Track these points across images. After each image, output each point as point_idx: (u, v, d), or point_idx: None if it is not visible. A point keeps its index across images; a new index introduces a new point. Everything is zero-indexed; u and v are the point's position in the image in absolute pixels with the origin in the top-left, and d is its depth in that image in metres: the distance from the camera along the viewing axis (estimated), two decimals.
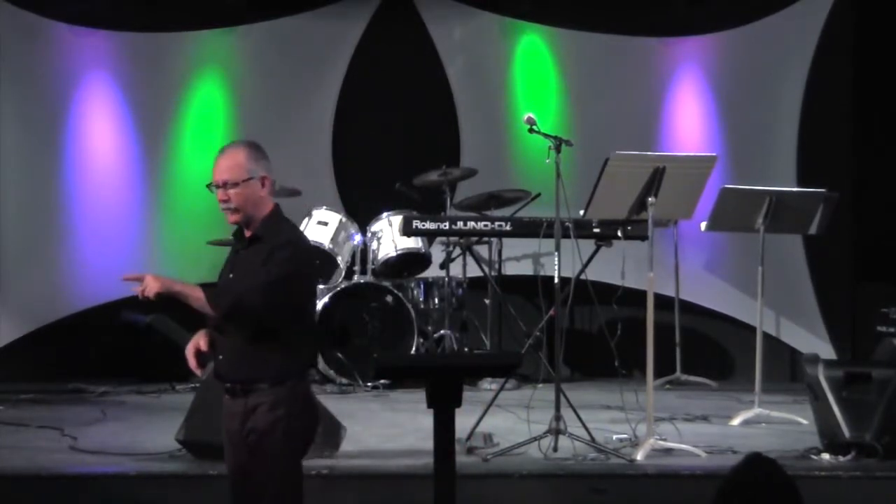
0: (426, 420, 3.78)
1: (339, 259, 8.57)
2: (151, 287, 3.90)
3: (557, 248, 6.06)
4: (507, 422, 6.61)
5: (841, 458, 5.69)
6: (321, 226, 8.56)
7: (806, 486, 3.05)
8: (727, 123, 9.59)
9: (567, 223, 6.09)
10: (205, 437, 5.35)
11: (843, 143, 9.50)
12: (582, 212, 6.15)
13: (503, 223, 6.73)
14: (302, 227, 8.43)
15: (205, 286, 4.05)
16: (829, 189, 7.35)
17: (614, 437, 6.17)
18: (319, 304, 8.33)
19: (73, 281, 9.25)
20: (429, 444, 3.66)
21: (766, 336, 7.87)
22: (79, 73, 9.41)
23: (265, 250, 4.00)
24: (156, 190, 9.51)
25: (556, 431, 5.84)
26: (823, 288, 9.40)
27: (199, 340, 4.08)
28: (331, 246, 8.51)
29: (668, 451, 5.87)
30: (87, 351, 9.01)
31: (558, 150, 6.09)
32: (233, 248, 4.21)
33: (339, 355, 8.32)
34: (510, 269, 9.16)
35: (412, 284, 8.76)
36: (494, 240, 8.76)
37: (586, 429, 6.07)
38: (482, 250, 8.74)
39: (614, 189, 6.03)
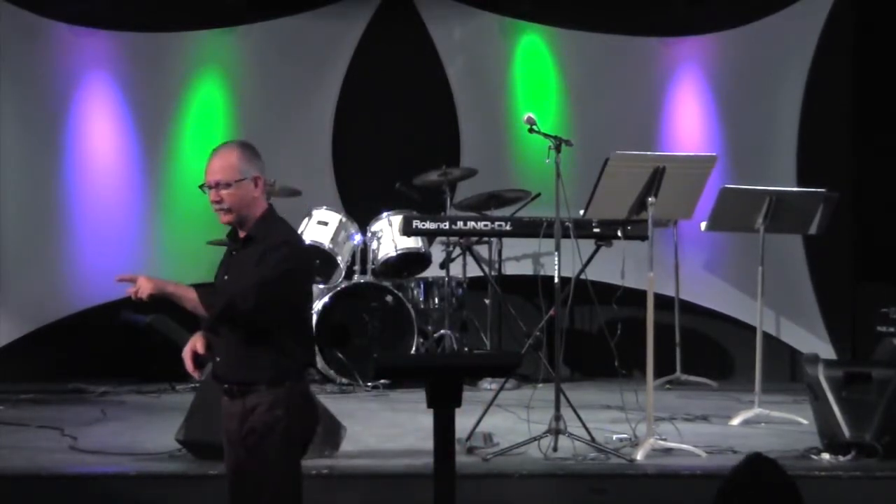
0: (426, 420, 3.78)
1: (339, 259, 8.57)
2: (144, 288, 3.89)
3: (557, 248, 6.06)
4: (507, 422, 6.61)
5: (841, 458, 5.68)
6: (321, 226, 8.56)
7: (806, 486, 3.05)
8: (727, 123, 9.59)
9: (567, 223, 6.09)
10: (205, 437, 5.35)
11: (843, 143, 9.50)
12: (582, 212, 6.15)
13: (503, 223, 6.73)
14: (302, 227, 8.44)
15: (201, 287, 4.05)
16: (829, 189, 7.34)
17: (614, 437, 6.17)
18: (319, 304, 8.34)
19: (73, 281, 9.25)
20: (429, 444, 3.66)
21: (766, 336, 7.87)
22: (79, 73, 9.41)
23: (259, 251, 3.99)
24: (156, 190, 9.51)
25: (556, 431, 5.84)
26: (823, 288, 9.40)
27: (196, 343, 4.07)
28: (331, 246, 8.51)
29: (668, 451, 5.87)
30: (87, 351, 9.01)
31: (558, 150, 6.09)
32: (227, 248, 4.21)
33: (339, 355, 8.32)
34: (510, 269, 9.16)
35: (412, 284, 8.76)
36: (494, 240, 8.76)
37: (586, 429, 6.07)
38: (482, 250, 8.74)
39: (614, 189, 6.02)
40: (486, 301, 8.85)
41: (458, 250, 8.62)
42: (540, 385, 7.52)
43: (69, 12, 9.30)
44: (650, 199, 5.97)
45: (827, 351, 9.03)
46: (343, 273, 8.66)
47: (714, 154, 6.59)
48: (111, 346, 8.86)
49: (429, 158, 8.87)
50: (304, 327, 4.21)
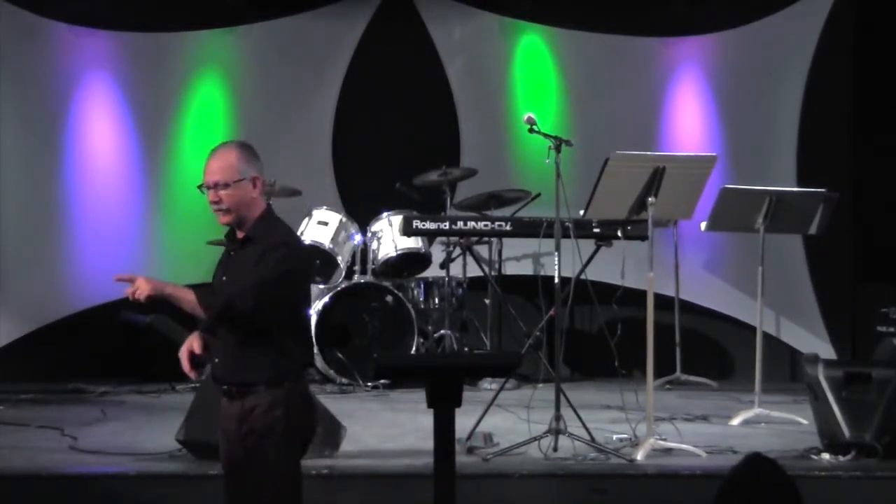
0: (426, 420, 3.78)
1: (339, 259, 8.57)
2: (142, 289, 3.89)
3: (557, 248, 6.06)
4: (507, 422, 6.61)
5: (841, 458, 5.68)
6: (321, 226, 8.56)
7: (806, 486, 3.05)
8: (727, 123, 9.59)
9: (567, 223, 6.09)
10: (205, 437, 5.35)
11: (843, 143, 9.50)
12: (582, 212, 6.15)
13: (503, 223, 6.73)
14: (302, 227, 8.44)
15: (199, 287, 4.05)
16: (829, 189, 7.34)
17: (614, 437, 6.17)
18: (319, 304, 8.34)
19: (73, 281, 9.25)
20: (429, 444, 3.66)
21: (766, 336, 7.87)
22: (79, 73, 9.40)
23: (258, 251, 3.99)
24: (156, 190, 9.51)
25: (556, 431, 5.84)
26: (823, 288, 9.40)
27: (193, 342, 4.06)
28: (331, 246, 8.51)
29: (668, 451, 5.87)
30: (87, 351, 9.02)
31: (558, 150, 6.09)
32: (225, 249, 4.20)
33: (339, 355, 8.32)
34: (510, 269, 9.16)
35: (412, 284, 8.76)
36: (494, 240, 8.76)
37: (586, 429, 6.07)
38: (482, 250, 8.75)
39: (614, 189, 6.02)
40: (486, 301, 8.85)
41: (458, 250, 8.62)
42: (540, 385, 7.52)
43: (69, 12, 9.30)
44: (650, 199, 5.97)
45: (827, 351, 9.03)
46: (343, 273, 8.66)
47: (714, 154, 6.59)
48: (111, 346, 8.86)
49: (429, 158, 8.87)
50: (302, 328, 4.21)
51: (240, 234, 4.09)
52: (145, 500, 5.31)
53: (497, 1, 9.70)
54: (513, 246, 9.05)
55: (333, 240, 8.54)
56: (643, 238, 6.22)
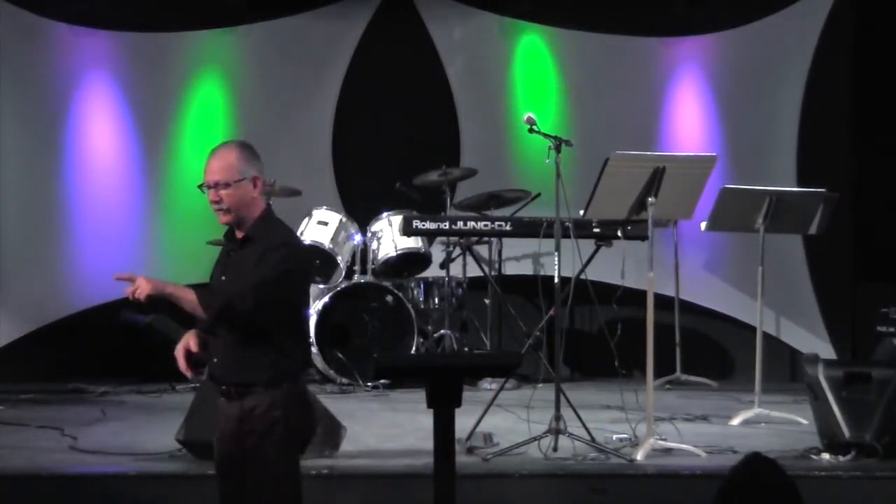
0: (426, 420, 3.78)
1: (339, 259, 8.57)
2: (143, 289, 3.88)
3: (557, 248, 6.06)
4: (507, 422, 6.61)
5: (841, 458, 5.68)
6: (321, 226, 8.56)
7: (806, 486, 3.05)
8: (727, 123, 9.59)
9: (567, 223, 6.09)
10: (205, 437, 5.32)
11: (843, 143, 9.50)
12: (582, 212, 6.15)
13: (503, 223, 6.73)
14: (302, 227, 8.44)
15: (199, 287, 4.05)
16: (829, 189, 7.34)
17: (614, 437, 6.17)
18: (319, 304, 8.34)
19: (73, 281, 9.25)
20: (429, 444, 3.66)
21: (766, 336, 7.87)
22: (79, 73, 9.40)
23: (258, 251, 3.99)
24: (156, 190, 9.51)
25: (556, 431, 5.84)
26: (823, 288, 9.40)
27: (189, 341, 4.06)
28: (331, 246, 8.51)
29: (668, 451, 5.87)
30: (87, 351, 9.01)
31: (558, 150, 6.09)
32: (224, 249, 4.20)
33: (339, 355, 8.32)
34: (510, 269, 9.16)
35: (412, 284, 8.76)
36: (494, 240, 8.76)
37: (586, 429, 6.07)
38: (482, 250, 8.74)
39: (614, 189, 6.03)
40: (486, 301, 8.84)
41: (458, 250, 8.62)
42: (540, 385, 7.52)
43: (69, 12, 9.30)
44: (650, 199, 5.97)
45: (827, 351, 9.03)
46: (343, 273, 8.66)
47: (714, 154, 6.59)
48: (111, 346, 8.86)
49: (429, 158, 8.87)
50: (302, 328, 4.22)
51: (239, 234, 4.09)
52: (145, 500, 5.31)
53: (497, 1, 9.70)
54: (513, 246, 9.05)
55: (333, 240, 8.54)
56: (643, 238, 6.22)
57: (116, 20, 9.40)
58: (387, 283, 8.59)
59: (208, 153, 4.10)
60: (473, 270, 8.47)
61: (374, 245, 8.63)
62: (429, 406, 3.64)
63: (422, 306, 8.72)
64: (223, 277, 4.07)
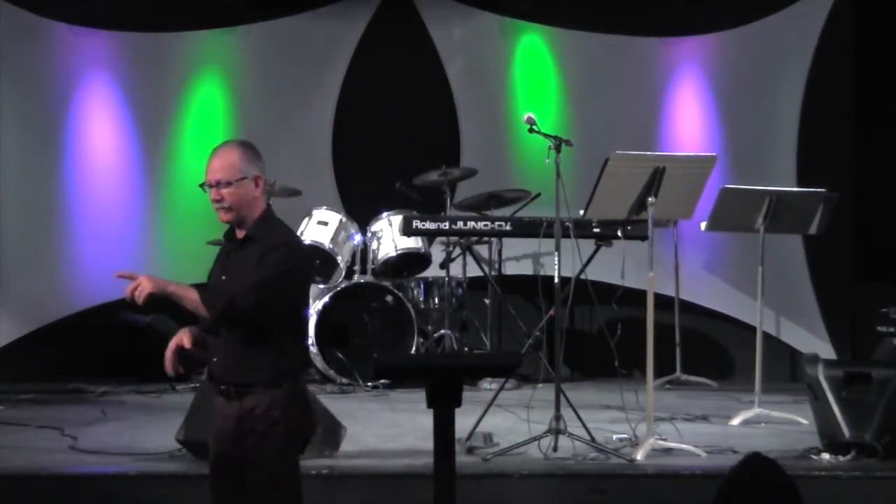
0: (426, 420, 3.78)
1: (339, 259, 8.57)
2: (144, 288, 3.87)
3: (557, 248, 6.06)
4: (507, 422, 6.61)
5: (841, 458, 5.68)
6: (321, 226, 8.56)
7: (806, 486, 3.05)
8: (727, 123, 9.59)
9: (567, 223, 6.09)
10: (205, 438, 5.29)
11: (843, 143, 9.50)
12: (582, 212, 6.15)
13: (503, 223, 6.73)
14: (302, 227, 8.44)
15: (199, 287, 4.05)
16: (829, 189, 7.34)
17: (614, 437, 6.16)
18: (319, 304, 8.34)
19: (73, 281, 9.25)
20: (429, 444, 3.66)
21: (766, 336, 7.87)
22: (79, 73, 9.40)
23: (258, 251, 3.99)
24: (156, 190, 9.51)
25: (556, 431, 5.84)
26: (823, 288, 9.40)
27: (183, 338, 4.04)
28: (331, 246, 8.51)
29: (668, 451, 5.87)
30: (87, 351, 9.01)
31: (558, 150, 6.09)
32: (223, 248, 4.20)
33: (339, 355, 8.32)
34: (510, 269, 9.16)
35: (412, 284, 8.76)
36: (494, 240, 8.76)
37: (586, 429, 6.07)
38: (482, 250, 8.74)
39: (614, 189, 6.02)
40: (486, 301, 8.85)
41: (458, 250, 8.62)
42: (540, 385, 7.52)
43: (69, 12, 9.30)
44: (650, 199, 5.97)
45: (827, 351, 9.03)
46: (343, 273, 8.66)
47: (714, 154, 6.58)
48: (111, 346, 8.85)
49: (429, 158, 8.87)
50: (302, 328, 4.23)
51: (240, 234, 4.09)
52: (145, 500, 5.31)
53: (497, 1, 9.70)
54: (513, 246, 9.05)
55: (333, 240, 8.54)
56: (643, 238, 6.22)
57: (116, 20, 9.41)
58: (387, 283, 8.59)
59: (209, 153, 4.11)
60: (473, 270, 8.47)
61: (374, 245, 8.63)
62: (429, 406, 3.64)
63: (422, 306, 8.72)
64: (223, 277, 4.07)
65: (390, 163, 9.25)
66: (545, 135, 6.16)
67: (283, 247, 4.01)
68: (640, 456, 5.73)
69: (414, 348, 8.37)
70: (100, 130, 9.45)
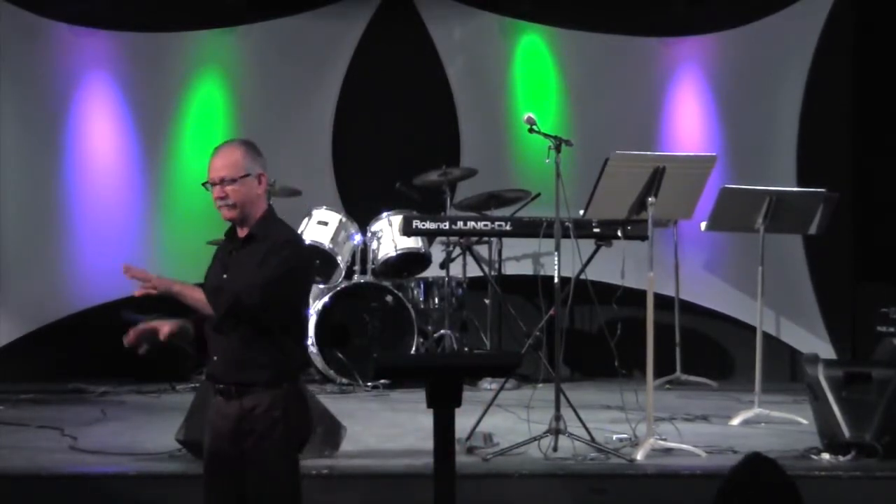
0: (426, 420, 3.78)
1: (339, 259, 8.57)
2: (159, 285, 3.89)
3: (557, 248, 6.06)
4: (507, 422, 6.61)
5: (841, 458, 5.68)
6: (321, 226, 8.56)
7: (806, 486, 3.05)
8: (727, 123, 9.59)
9: (567, 223, 6.09)
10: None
11: (843, 143, 9.50)
12: (582, 212, 6.15)
13: (503, 223, 6.73)
14: (302, 227, 8.44)
15: (200, 286, 4.06)
16: (829, 189, 7.34)
17: (614, 437, 6.16)
18: (319, 304, 8.34)
19: (73, 281, 9.25)
20: (429, 444, 3.66)
21: (766, 336, 7.87)
22: (79, 73, 9.41)
23: (262, 250, 4.00)
24: (156, 190, 9.51)
25: (556, 431, 5.84)
26: (823, 288, 9.40)
27: (162, 328, 4.03)
28: (331, 246, 8.51)
29: (668, 451, 5.87)
30: (87, 351, 9.00)
31: (558, 150, 6.09)
32: (222, 247, 4.19)
33: (339, 355, 8.32)
34: (510, 269, 9.16)
35: (412, 284, 8.76)
36: (494, 240, 8.76)
37: (586, 429, 6.07)
38: (482, 250, 8.75)
39: (614, 189, 6.02)
40: (486, 301, 8.85)
41: (458, 250, 8.62)
42: (540, 385, 7.52)
43: (69, 12, 9.30)
44: (650, 199, 5.97)
45: (827, 351, 9.03)
46: (343, 273, 8.66)
47: (714, 154, 6.58)
48: (111, 346, 8.79)
49: (429, 158, 8.87)
50: (302, 328, 4.23)
51: (241, 233, 4.10)
52: (145, 500, 5.31)
53: (497, 1, 9.70)
54: (513, 246, 9.05)
55: (333, 240, 8.54)
56: (643, 238, 6.22)
57: (116, 20, 9.41)
58: (387, 283, 8.59)
59: (209, 153, 4.12)
60: (473, 270, 8.47)
61: (374, 245, 8.63)
62: (429, 406, 3.64)
63: (422, 306, 8.72)
64: (225, 276, 4.07)
65: (390, 163, 9.25)
66: (545, 135, 6.16)
67: (287, 246, 4.02)
68: (640, 456, 5.73)
69: (414, 348, 8.37)
70: (100, 130, 9.45)
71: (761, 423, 6.83)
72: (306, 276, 4.26)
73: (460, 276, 8.73)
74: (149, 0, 9.50)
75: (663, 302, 8.10)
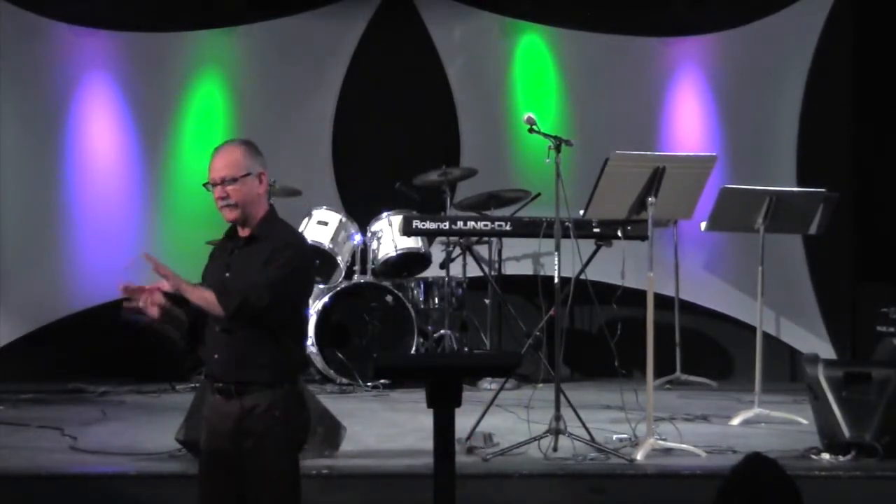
0: (426, 420, 3.78)
1: (339, 259, 8.57)
2: (168, 282, 3.87)
3: (557, 248, 6.06)
4: (507, 422, 6.61)
5: (841, 458, 5.68)
6: (321, 226, 8.56)
7: (806, 486, 3.05)
8: (727, 123, 9.59)
9: (567, 223, 6.08)
10: None
11: (843, 143, 9.50)
12: (582, 212, 6.15)
13: (503, 223, 6.73)
14: (302, 227, 8.44)
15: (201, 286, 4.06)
16: (829, 189, 7.34)
17: (614, 437, 6.16)
18: (319, 304, 8.34)
19: (73, 281, 9.25)
20: (429, 444, 3.66)
21: (766, 336, 7.87)
22: (79, 73, 9.40)
23: (265, 250, 4.00)
24: (156, 190, 9.51)
25: (556, 431, 5.84)
26: (823, 288, 9.40)
27: (165, 286, 3.93)
28: (331, 246, 8.51)
29: (668, 451, 5.87)
30: (87, 351, 9.01)
31: (558, 150, 6.09)
32: (221, 246, 4.19)
33: (339, 355, 8.32)
34: (510, 269, 9.16)
35: (412, 284, 8.76)
36: (494, 240, 8.76)
37: (586, 429, 6.07)
38: (482, 250, 8.74)
39: (614, 189, 6.02)
40: (486, 301, 8.85)
41: (458, 250, 8.62)
42: (540, 385, 7.53)
43: (69, 12, 9.30)
44: (650, 199, 5.97)
45: (827, 351, 9.03)
46: (343, 273, 8.66)
47: (714, 154, 6.58)
48: (111, 346, 8.85)
49: (429, 158, 8.87)
50: (302, 328, 4.23)
51: (243, 232, 4.10)
52: (145, 500, 5.31)
53: (497, 1, 9.70)
54: (513, 246, 9.05)
55: (333, 240, 8.54)
56: (643, 238, 6.22)
57: (116, 20, 9.40)
58: (387, 283, 8.59)
59: (209, 153, 4.13)
60: (473, 270, 8.47)
61: (374, 245, 8.63)
62: (429, 406, 3.64)
63: (422, 306, 8.72)
64: (227, 275, 4.06)
65: (390, 163, 9.25)
66: (545, 135, 6.17)
67: (291, 246, 4.03)
68: (640, 456, 5.73)
69: (414, 348, 8.37)
70: (100, 130, 9.45)
71: (761, 423, 6.83)
72: (308, 276, 4.27)
73: (460, 276, 8.73)
74: (149, 0, 9.50)
75: (663, 302, 8.10)
